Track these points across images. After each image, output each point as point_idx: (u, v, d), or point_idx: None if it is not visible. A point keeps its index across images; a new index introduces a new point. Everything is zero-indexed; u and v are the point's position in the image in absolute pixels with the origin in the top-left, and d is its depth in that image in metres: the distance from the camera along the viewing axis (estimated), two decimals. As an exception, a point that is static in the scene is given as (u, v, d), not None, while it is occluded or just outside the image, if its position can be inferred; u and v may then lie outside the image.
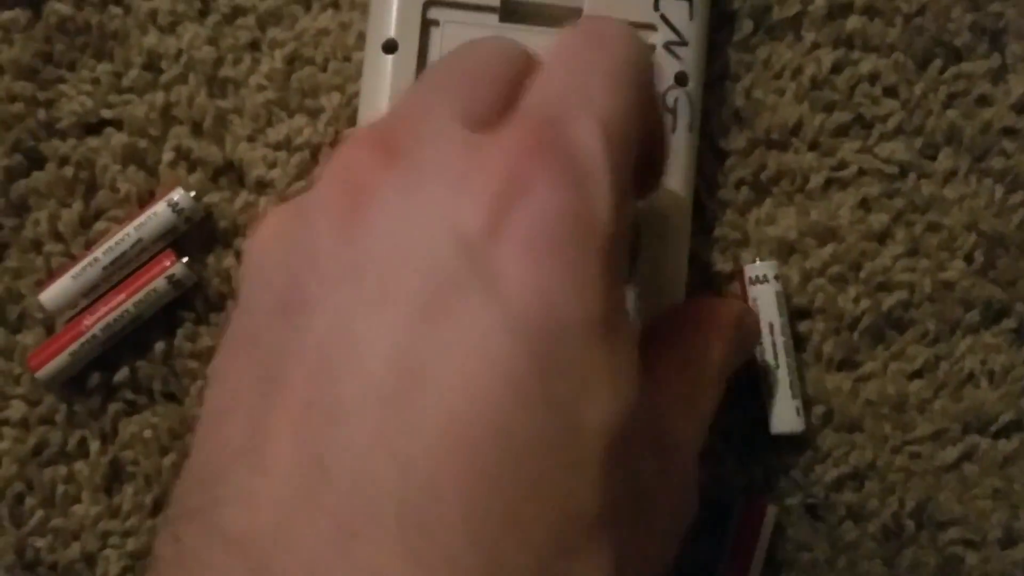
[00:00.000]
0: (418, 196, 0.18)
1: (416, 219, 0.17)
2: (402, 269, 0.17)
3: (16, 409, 0.27)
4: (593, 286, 0.17)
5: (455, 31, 0.26)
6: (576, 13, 0.26)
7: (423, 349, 0.17)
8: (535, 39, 0.26)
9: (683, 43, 0.26)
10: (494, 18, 0.26)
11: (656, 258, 0.26)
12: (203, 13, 0.28)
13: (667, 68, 0.26)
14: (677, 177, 0.26)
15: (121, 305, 0.27)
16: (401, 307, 0.17)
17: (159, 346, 0.27)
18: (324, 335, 0.17)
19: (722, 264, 0.28)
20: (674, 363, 0.22)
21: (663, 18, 0.26)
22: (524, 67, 0.20)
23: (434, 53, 0.26)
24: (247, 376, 0.18)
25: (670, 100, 0.26)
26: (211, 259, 0.28)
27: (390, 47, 0.26)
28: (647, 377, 0.19)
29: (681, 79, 0.26)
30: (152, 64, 0.28)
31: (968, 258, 0.28)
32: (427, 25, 0.26)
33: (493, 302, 0.16)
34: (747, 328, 0.25)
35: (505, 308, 0.16)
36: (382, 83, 0.26)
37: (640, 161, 0.20)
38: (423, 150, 0.18)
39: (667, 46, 0.26)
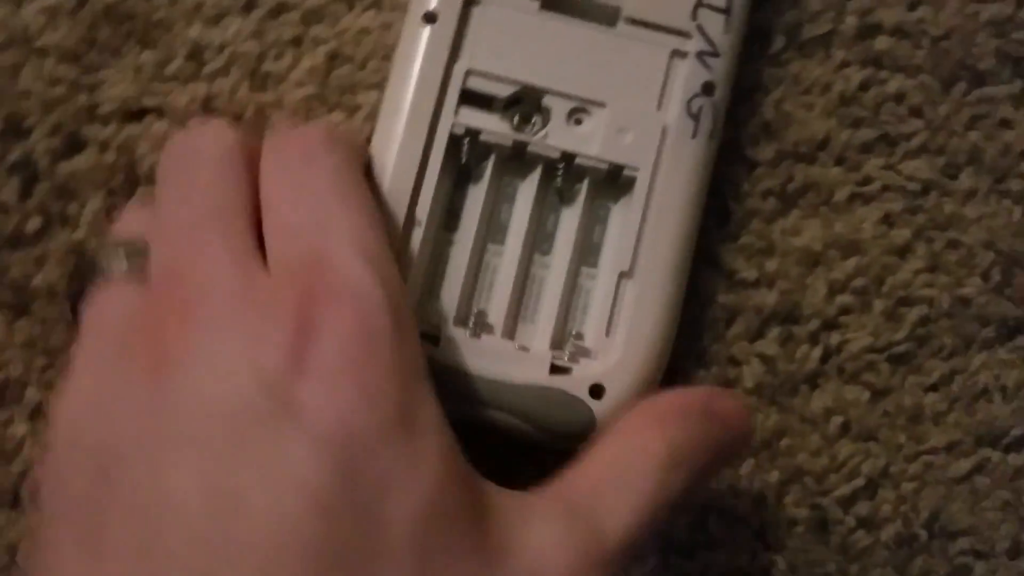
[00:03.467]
0: (218, 350, 0.19)
1: (218, 370, 0.19)
2: (208, 416, 0.19)
3: (33, 396, 0.27)
4: (384, 393, 0.19)
5: (495, 13, 0.27)
6: (615, 11, 0.27)
7: (235, 484, 0.18)
8: (573, 31, 0.27)
9: (715, 54, 0.27)
10: (535, 6, 0.27)
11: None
12: (248, 7, 0.29)
13: (696, 76, 0.27)
14: (690, 184, 0.26)
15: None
16: (210, 449, 0.18)
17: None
18: (139, 487, 0.19)
19: (746, 271, 0.29)
20: (608, 448, 0.23)
21: (699, 28, 0.27)
22: (251, 163, 0.23)
23: (472, 30, 0.27)
24: (70, 544, 0.19)
25: (695, 107, 0.27)
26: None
27: (430, 18, 0.27)
28: (584, 457, 0.22)
29: (708, 88, 0.27)
30: (195, 55, 0.29)
31: (985, 276, 0.29)
32: (469, 2, 0.27)
33: (296, 429, 0.18)
34: (711, 415, 0.23)
35: (307, 432, 0.18)
36: (416, 52, 0.27)
37: None
38: (212, 302, 0.20)
39: (699, 55, 0.27)
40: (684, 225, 0.26)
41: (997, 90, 0.29)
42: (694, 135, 0.26)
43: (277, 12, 0.29)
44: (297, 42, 0.29)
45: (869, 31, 0.29)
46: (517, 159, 0.27)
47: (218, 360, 0.19)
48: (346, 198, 0.22)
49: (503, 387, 0.25)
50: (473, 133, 0.27)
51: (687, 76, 0.27)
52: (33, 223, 0.28)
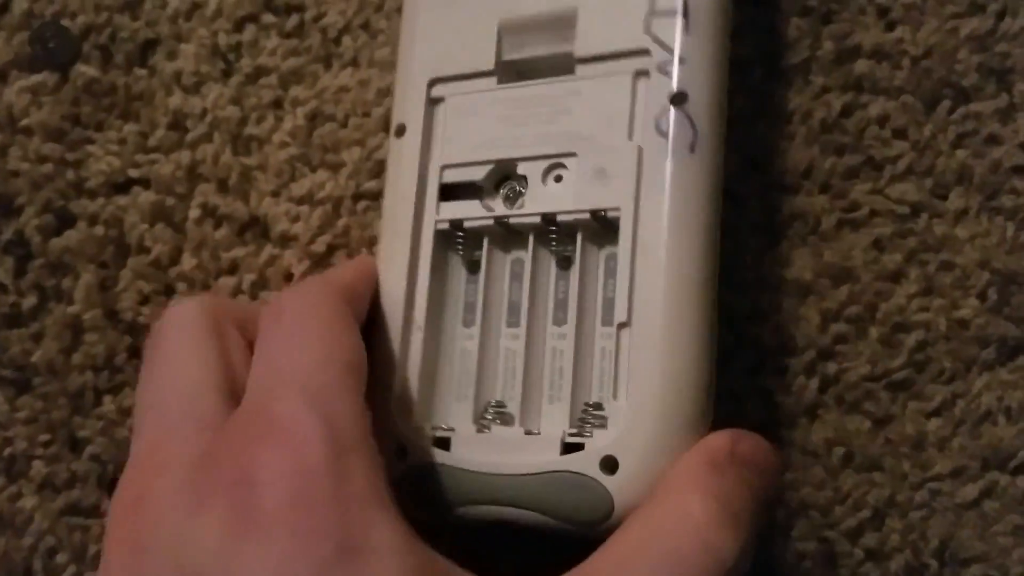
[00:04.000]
0: (171, 525, 0.19)
1: (176, 548, 0.19)
2: None
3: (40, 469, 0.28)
4: (321, 531, 0.18)
5: (459, 103, 0.26)
6: (568, 58, 0.26)
7: None
8: (534, 92, 0.26)
9: (680, 61, 0.24)
10: (492, 81, 0.26)
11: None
12: (227, 74, 0.29)
13: (660, 90, 0.24)
14: (677, 209, 0.23)
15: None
16: None
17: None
18: None
19: (738, 306, 0.28)
20: (642, 517, 0.21)
21: (655, 39, 0.24)
22: (224, 327, 0.23)
23: (439, 128, 0.26)
24: None
25: (664, 123, 0.24)
26: (238, 312, 0.28)
27: (400, 131, 0.27)
28: (620, 529, 0.20)
29: (677, 99, 0.24)
30: (178, 124, 0.29)
31: (982, 296, 0.28)
32: (432, 103, 0.26)
33: None
34: (741, 460, 0.22)
35: None
36: (393, 164, 0.27)
37: None
38: (164, 480, 0.20)
39: (660, 67, 0.24)
40: (679, 257, 0.23)
41: (983, 106, 0.29)
42: (670, 153, 0.23)
43: (255, 76, 0.29)
44: (278, 104, 0.29)
45: (847, 55, 0.29)
46: (512, 236, 0.26)
47: (173, 536, 0.19)
48: (302, 340, 0.22)
49: (512, 480, 0.23)
50: (457, 224, 0.26)
51: (652, 93, 0.24)
52: (29, 300, 0.28)
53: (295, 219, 0.29)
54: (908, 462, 0.28)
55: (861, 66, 0.29)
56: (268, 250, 0.29)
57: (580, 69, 0.26)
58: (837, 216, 0.29)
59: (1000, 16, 0.29)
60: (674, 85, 0.24)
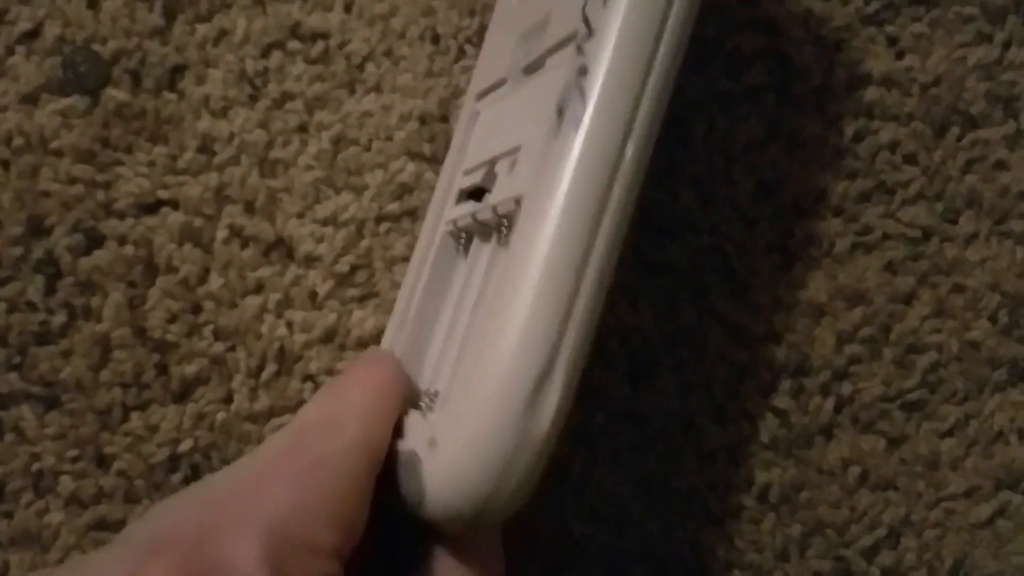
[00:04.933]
0: None
1: None
2: None
3: (67, 485, 0.28)
4: None
5: (489, 110, 0.27)
6: (543, 56, 0.25)
7: None
8: (515, 94, 0.25)
9: (591, 35, 0.22)
10: (520, 73, 0.26)
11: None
12: (254, 98, 0.30)
13: (572, 67, 0.22)
14: (551, 192, 0.21)
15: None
16: None
17: (220, 416, 0.28)
18: None
19: (754, 327, 0.29)
20: None
21: (584, 20, 0.22)
22: None
23: (472, 133, 0.28)
24: None
25: (563, 101, 0.22)
26: (264, 329, 0.29)
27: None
28: None
29: (578, 75, 0.22)
30: (206, 147, 0.30)
31: (993, 318, 0.29)
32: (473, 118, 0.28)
33: None
34: None
35: None
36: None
37: None
38: None
39: (579, 46, 0.22)
40: (544, 243, 0.21)
41: (991, 132, 0.30)
42: (556, 134, 0.21)
43: (282, 101, 0.30)
44: (303, 128, 0.30)
45: (859, 82, 0.30)
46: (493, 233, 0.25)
47: None
48: (296, 485, 0.21)
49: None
50: (454, 223, 0.26)
51: (566, 72, 0.22)
52: (59, 318, 0.29)
53: (319, 240, 0.29)
54: (922, 481, 0.28)
55: (872, 93, 0.30)
56: (293, 270, 0.29)
57: (548, 61, 0.24)
58: (851, 239, 0.29)
59: (1006, 45, 0.30)
60: (583, 60, 0.21)
